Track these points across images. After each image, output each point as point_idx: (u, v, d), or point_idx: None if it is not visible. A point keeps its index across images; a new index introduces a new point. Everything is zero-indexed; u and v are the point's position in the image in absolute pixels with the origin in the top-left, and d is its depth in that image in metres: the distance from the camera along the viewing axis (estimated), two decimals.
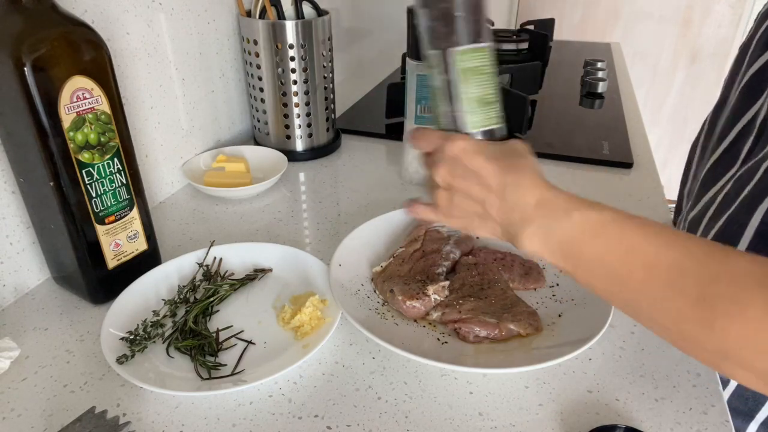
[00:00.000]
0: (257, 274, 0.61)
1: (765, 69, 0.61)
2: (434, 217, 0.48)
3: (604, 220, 0.38)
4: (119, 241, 0.56)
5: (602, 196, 0.79)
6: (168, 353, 0.50)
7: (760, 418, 0.58)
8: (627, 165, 0.88)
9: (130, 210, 0.57)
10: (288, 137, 0.89)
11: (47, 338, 0.53)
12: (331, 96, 0.91)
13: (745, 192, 0.56)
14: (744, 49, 0.67)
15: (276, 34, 0.81)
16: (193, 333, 0.52)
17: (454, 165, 0.44)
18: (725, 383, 0.61)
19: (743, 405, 0.59)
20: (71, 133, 0.49)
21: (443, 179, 0.45)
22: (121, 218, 0.56)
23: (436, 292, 0.55)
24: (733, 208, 0.57)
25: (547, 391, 0.47)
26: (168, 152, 0.79)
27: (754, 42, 0.64)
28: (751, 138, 0.60)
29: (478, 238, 0.66)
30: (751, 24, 0.68)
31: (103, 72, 0.50)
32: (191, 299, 0.57)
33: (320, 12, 0.87)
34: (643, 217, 0.37)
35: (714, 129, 0.70)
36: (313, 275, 0.59)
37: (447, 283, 0.56)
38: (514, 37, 1.49)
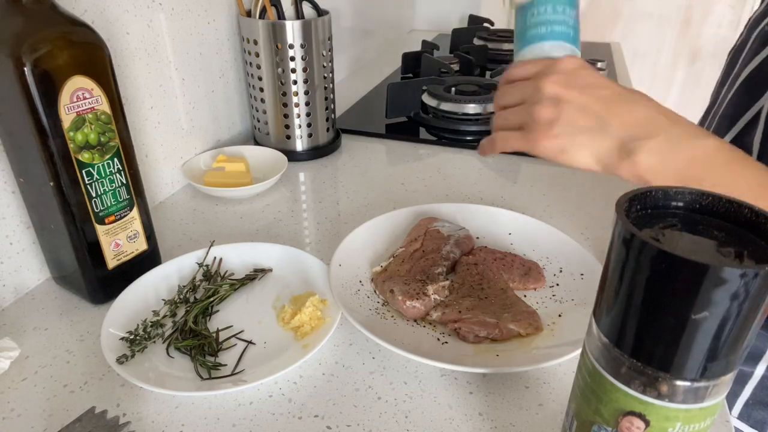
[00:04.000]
0: (257, 274, 0.61)
1: (764, 64, 0.61)
2: (521, 144, 0.45)
3: (738, 155, 0.38)
4: (119, 241, 0.56)
5: (602, 195, 0.79)
6: (168, 353, 0.50)
7: None
8: None
9: (130, 210, 0.57)
10: (288, 137, 0.89)
11: (47, 338, 0.53)
12: (331, 96, 0.91)
13: None
14: (736, 53, 0.67)
15: (276, 34, 0.81)
16: (193, 333, 0.52)
17: (571, 77, 0.42)
18: (748, 376, 0.61)
19: None
20: (71, 133, 0.49)
21: (553, 92, 0.43)
22: (121, 218, 0.56)
23: (436, 292, 0.55)
24: None
25: (547, 391, 0.47)
26: (168, 152, 0.79)
27: (749, 44, 0.65)
28: (759, 131, 0.60)
29: (478, 238, 0.66)
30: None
31: (103, 72, 0.50)
32: (191, 299, 0.57)
33: (320, 12, 0.87)
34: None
35: None
36: (313, 275, 0.59)
37: (447, 283, 0.56)
38: None
